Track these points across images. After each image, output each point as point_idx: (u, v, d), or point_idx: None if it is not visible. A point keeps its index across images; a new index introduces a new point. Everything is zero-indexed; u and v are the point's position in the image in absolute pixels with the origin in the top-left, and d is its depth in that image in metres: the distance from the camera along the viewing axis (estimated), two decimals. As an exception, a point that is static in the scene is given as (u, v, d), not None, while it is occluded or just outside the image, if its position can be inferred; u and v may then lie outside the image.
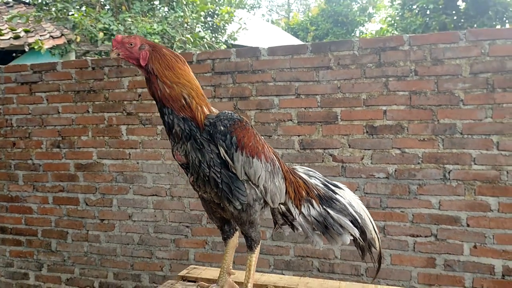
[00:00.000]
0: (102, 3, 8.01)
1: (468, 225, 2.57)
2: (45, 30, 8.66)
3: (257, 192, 1.35)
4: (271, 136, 2.92)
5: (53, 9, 7.73)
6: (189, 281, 1.70)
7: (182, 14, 7.77)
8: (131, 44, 1.30)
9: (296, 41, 18.61)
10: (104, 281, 3.35)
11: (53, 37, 8.28)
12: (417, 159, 2.65)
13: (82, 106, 3.35)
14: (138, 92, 3.20)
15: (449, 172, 2.60)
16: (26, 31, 8.44)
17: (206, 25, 10.09)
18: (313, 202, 1.49)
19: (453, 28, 10.17)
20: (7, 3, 10.50)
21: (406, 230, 2.69)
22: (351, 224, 1.48)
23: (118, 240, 3.30)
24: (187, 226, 3.14)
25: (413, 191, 2.67)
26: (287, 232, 1.57)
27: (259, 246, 1.42)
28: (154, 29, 6.94)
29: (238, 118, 1.32)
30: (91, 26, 6.87)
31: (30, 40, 7.96)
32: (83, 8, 7.74)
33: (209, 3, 8.86)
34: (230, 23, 10.17)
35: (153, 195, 3.20)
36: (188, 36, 7.40)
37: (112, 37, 6.83)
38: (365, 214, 1.53)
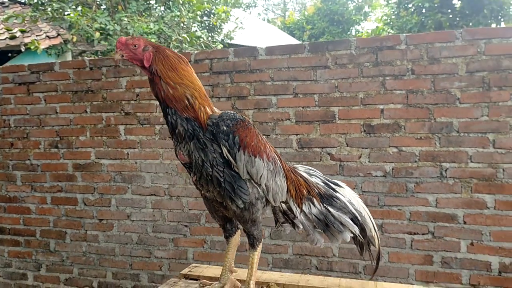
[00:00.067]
0: (98, 2, 8.00)
1: (465, 223, 2.60)
2: (41, 30, 8.63)
3: (259, 190, 1.37)
4: (269, 135, 2.93)
5: (49, 9, 7.71)
6: (191, 279, 1.71)
7: (178, 13, 7.78)
8: (135, 46, 1.31)
9: (292, 40, 18.62)
10: (103, 280, 3.36)
11: (49, 37, 8.26)
12: (414, 158, 2.68)
13: (80, 106, 3.35)
14: (136, 92, 3.21)
15: (445, 170, 2.63)
16: (22, 31, 8.40)
17: (203, 25, 10.09)
18: (314, 200, 1.51)
19: (449, 27, 10.22)
20: (2, 3, 10.44)
21: (403, 228, 2.71)
22: (351, 222, 1.50)
23: (117, 240, 3.31)
24: (186, 226, 3.15)
25: (410, 189, 2.69)
26: (288, 230, 1.59)
27: (261, 244, 1.44)
28: (151, 28, 6.93)
29: (241, 118, 1.34)
30: (87, 26, 6.86)
31: (26, 40, 7.93)
32: (79, 8, 7.73)
33: (205, 3, 8.86)
34: (227, 22, 10.19)
35: (152, 194, 3.21)
36: (185, 35, 7.41)
37: (109, 36, 6.82)
38: (365, 212, 1.55)
